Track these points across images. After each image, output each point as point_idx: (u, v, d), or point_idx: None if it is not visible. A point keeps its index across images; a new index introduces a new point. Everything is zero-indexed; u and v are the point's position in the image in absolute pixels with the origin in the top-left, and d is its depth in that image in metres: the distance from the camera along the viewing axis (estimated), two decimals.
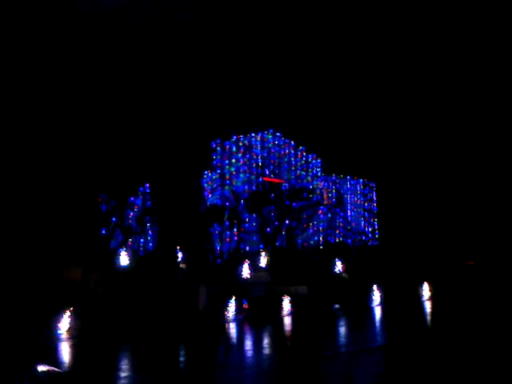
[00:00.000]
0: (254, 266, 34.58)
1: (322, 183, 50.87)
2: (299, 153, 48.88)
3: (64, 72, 36.31)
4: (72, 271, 28.13)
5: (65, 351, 20.63)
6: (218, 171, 45.44)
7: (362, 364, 17.98)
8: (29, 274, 27.87)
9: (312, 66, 55.56)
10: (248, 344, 23.59)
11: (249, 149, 46.26)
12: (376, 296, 35.29)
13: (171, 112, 41.08)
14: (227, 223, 41.55)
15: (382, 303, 35.21)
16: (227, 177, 45.09)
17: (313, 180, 49.52)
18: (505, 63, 57.27)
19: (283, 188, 46.50)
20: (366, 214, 54.53)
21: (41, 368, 15.44)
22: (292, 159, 48.30)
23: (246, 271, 33.19)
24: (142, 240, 38.69)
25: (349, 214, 53.53)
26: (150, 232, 39.29)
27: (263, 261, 36.70)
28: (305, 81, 54.11)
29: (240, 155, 45.75)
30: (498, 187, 57.62)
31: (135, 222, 38.40)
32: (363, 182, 54.80)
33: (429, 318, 30.71)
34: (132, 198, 39.23)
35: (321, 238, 47.63)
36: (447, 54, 59.81)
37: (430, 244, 51.37)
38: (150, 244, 38.79)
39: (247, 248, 41.96)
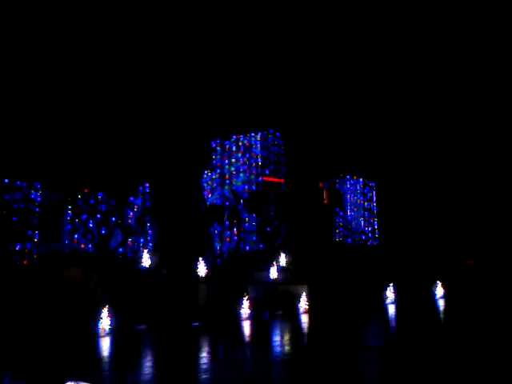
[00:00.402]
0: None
1: (322, 183, 50.88)
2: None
3: (64, 73, 36.39)
4: (72, 271, 28.14)
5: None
6: (218, 171, 45.46)
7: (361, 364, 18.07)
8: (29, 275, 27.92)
9: (312, 66, 55.60)
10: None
11: (249, 148, 46.24)
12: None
13: (171, 112, 41.15)
14: (227, 223, 41.60)
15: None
16: (227, 176, 45.10)
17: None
18: (505, 63, 57.26)
19: (283, 188, 46.49)
20: (365, 213, 54.55)
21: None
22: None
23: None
24: (141, 240, 38.77)
25: (349, 213, 53.54)
26: (149, 232, 39.37)
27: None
28: (304, 81, 54.16)
29: (240, 155, 45.74)
30: (498, 187, 57.62)
31: (135, 222, 38.49)
32: (363, 181, 54.82)
33: (427, 317, 30.72)
34: (132, 198, 39.31)
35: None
36: (447, 54, 59.82)
37: (430, 244, 51.35)
38: (150, 244, 38.85)
39: (247, 248, 42.01)
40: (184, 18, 47.29)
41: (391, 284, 35.42)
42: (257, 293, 30.67)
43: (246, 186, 44.97)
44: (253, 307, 28.94)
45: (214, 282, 31.30)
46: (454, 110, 59.89)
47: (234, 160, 45.65)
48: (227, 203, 43.27)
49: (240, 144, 46.06)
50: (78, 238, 38.34)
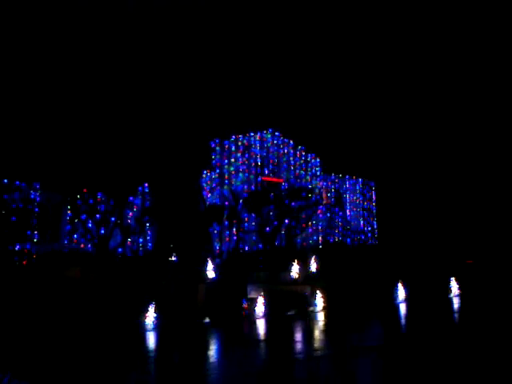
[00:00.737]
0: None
1: (321, 183, 50.91)
2: (298, 152, 48.93)
3: (64, 73, 36.35)
4: (72, 271, 28.18)
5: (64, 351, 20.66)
6: (218, 171, 45.45)
7: (360, 363, 18.05)
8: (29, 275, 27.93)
9: (311, 66, 55.62)
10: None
11: (248, 148, 46.26)
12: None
13: (171, 112, 41.13)
14: (226, 222, 41.59)
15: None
16: (226, 176, 45.09)
17: (312, 179, 49.57)
18: (504, 63, 57.35)
19: (282, 187, 46.53)
20: (365, 213, 54.59)
21: None
22: (291, 159, 48.34)
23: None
24: (141, 240, 38.74)
25: (348, 213, 53.58)
26: (149, 232, 39.35)
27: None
28: (304, 81, 54.17)
29: (239, 155, 45.75)
30: (498, 187, 57.71)
31: (134, 222, 38.46)
32: (362, 181, 54.85)
33: (427, 317, 30.73)
34: (131, 198, 39.28)
35: (320, 238, 47.69)
36: (447, 54, 59.89)
37: (430, 244, 51.41)
38: (149, 244, 38.84)
39: (246, 247, 42.01)
40: (184, 17, 47.31)
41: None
42: (257, 293, 30.70)
43: (246, 186, 44.99)
44: (252, 307, 28.99)
45: (214, 282, 31.34)
46: (453, 111, 59.95)
47: (233, 160, 45.63)
48: (226, 203, 43.26)
49: (239, 144, 46.08)
50: (77, 238, 38.35)
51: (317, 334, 25.10)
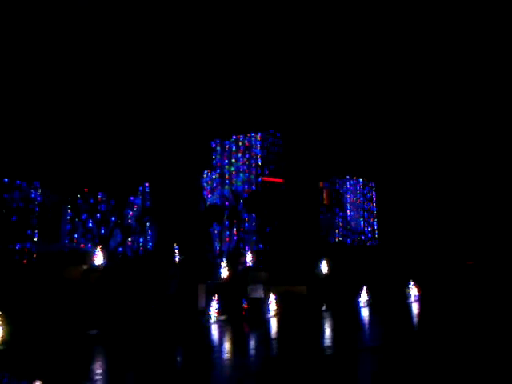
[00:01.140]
0: None
1: (322, 183, 50.89)
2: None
3: (64, 73, 36.38)
4: (71, 271, 28.19)
5: (64, 351, 20.68)
6: (218, 171, 45.45)
7: (360, 363, 18.09)
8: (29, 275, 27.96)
9: (311, 66, 55.60)
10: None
11: (248, 148, 46.27)
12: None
13: (171, 112, 41.15)
14: (227, 223, 41.62)
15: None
16: (227, 176, 45.09)
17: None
18: (504, 63, 57.31)
19: (282, 187, 46.50)
20: (365, 214, 54.57)
21: None
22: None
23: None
24: (141, 239, 38.77)
25: (348, 213, 53.56)
26: (149, 231, 39.37)
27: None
28: (304, 81, 54.16)
29: (240, 155, 45.76)
30: (498, 187, 57.67)
31: (135, 222, 38.48)
32: (363, 181, 54.84)
33: (426, 317, 30.77)
34: (132, 198, 39.31)
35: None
36: (446, 54, 59.85)
37: (429, 244, 51.41)
38: (150, 243, 38.84)
39: (247, 247, 42.01)
40: (184, 17, 47.32)
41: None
42: (256, 293, 30.76)
43: (246, 186, 45.00)
44: (251, 307, 29.03)
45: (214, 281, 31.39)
46: (453, 111, 59.91)
47: (233, 160, 45.64)
48: (227, 203, 43.29)
49: (240, 144, 46.08)
50: (77, 238, 38.37)
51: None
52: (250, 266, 33.73)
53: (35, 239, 35.82)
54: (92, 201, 37.67)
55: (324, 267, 36.80)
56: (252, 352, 20.68)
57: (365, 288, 34.97)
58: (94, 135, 38.05)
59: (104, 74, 38.51)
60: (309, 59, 55.58)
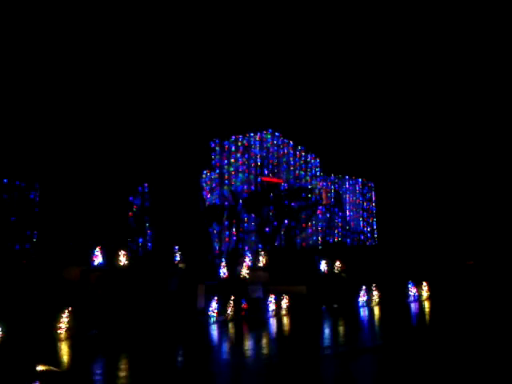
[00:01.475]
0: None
1: (321, 183, 50.93)
2: (298, 153, 48.97)
3: (65, 73, 36.36)
4: (71, 271, 28.15)
5: (64, 351, 20.68)
6: (217, 171, 45.47)
7: (360, 363, 18.07)
8: (28, 274, 27.93)
9: (311, 66, 55.63)
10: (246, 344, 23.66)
11: (248, 149, 46.30)
12: (374, 295, 35.38)
13: (170, 112, 41.14)
14: (226, 223, 41.62)
15: (379, 303, 35.28)
16: (226, 176, 45.11)
17: (311, 180, 49.59)
18: (504, 63, 57.37)
19: (282, 188, 46.57)
20: (364, 213, 54.60)
21: (40, 367, 15.54)
22: (291, 159, 48.39)
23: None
24: (140, 239, 38.75)
25: (347, 213, 53.58)
26: (148, 231, 39.34)
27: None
28: (304, 81, 54.19)
29: (239, 155, 45.78)
30: (498, 187, 57.71)
31: (134, 222, 38.46)
32: (362, 181, 54.87)
33: (426, 317, 30.78)
34: (131, 198, 39.29)
35: (319, 238, 47.69)
36: (446, 54, 59.90)
37: (429, 244, 51.42)
38: (149, 244, 38.82)
39: (246, 247, 42.02)
40: (184, 17, 47.34)
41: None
42: (256, 293, 30.74)
43: (245, 186, 45.03)
44: (251, 307, 29.02)
45: (213, 282, 31.35)
46: (453, 111, 59.96)
47: (233, 160, 45.66)
48: (226, 203, 43.29)
49: (239, 144, 46.11)
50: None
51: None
52: (249, 266, 33.71)
53: (34, 240, 35.80)
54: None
55: (324, 267, 36.82)
56: (252, 352, 20.67)
57: (364, 288, 34.98)
58: (93, 136, 38.04)
59: (103, 74, 38.50)
60: (309, 59, 55.62)
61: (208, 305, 27.79)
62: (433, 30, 59.09)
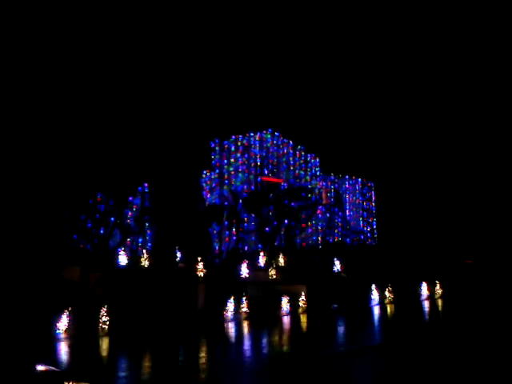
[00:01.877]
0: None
1: (321, 183, 50.89)
2: (298, 152, 48.93)
3: (64, 72, 36.30)
4: (71, 271, 28.11)
5: (63, 351, 20.64)
6: (217, 171, 45.39)
7: (361, 363, 18.05)
8: (28, 274, 27.87)
9: (311, 65, 55.60)
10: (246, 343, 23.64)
11: (247, 148, 46.25)
12: (375, 295, 35.40)
13: (170, 112, 41.08)
14: (226, 223, 41.54)
15: (381, 303, 35.34)
16: (226, 176, 45.04)
17: (311, 179, 49.55)
18: (504, 63, 57.36)
19: (282, 187, 46.51)
20: (364, 213, 54.56)
21: (40, 367, 15.48)
22: (291, 159, 48.33)
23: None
24: (140, 239, 38.67)
25: (347, 213, 53.55)
26: (148, 231, 39.26)
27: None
28: (303, 81, 54.15)
29: (239, 155, 45.72)
30: (497, 186, 57.70)
31: (134, 222, 38.36)
32: (362, 181, 54.84)
33: (428, 317, 30.78)
34: (131, 198, 39.20)
35: (319, 238, 47.65)
36: (446, 54, 59.88)
37: (428, 243, 51.40)
38: (149, 244, 38.74)
39: (246, 248, 41.98)
40: (183, 17, 47.28)
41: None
42: (256, 292, 30.72)
43: (245, 186, 44.98)
44: (250, 307, 29.01)
45: (213, 282, 31.31)
46: (453, 111, 59.95)
47: (232, 160, 45.61)
48: (226, 203, 43.22)
49: (239, 144, 46.05)
50: (76, 238, 38.18)
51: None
52: (249, 266, 33.70)
53: None
54: (91, 201, 37.49)
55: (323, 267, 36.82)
56: (251, 352, 20.65)
57: (363, 287, 35.01)
58: (92, 135, 37.96)
59: (103, 74, 38.46)
60: (309, 59, 55.59)
61: (208, 304, 27.78)
62: (433, 30, 59.08)
